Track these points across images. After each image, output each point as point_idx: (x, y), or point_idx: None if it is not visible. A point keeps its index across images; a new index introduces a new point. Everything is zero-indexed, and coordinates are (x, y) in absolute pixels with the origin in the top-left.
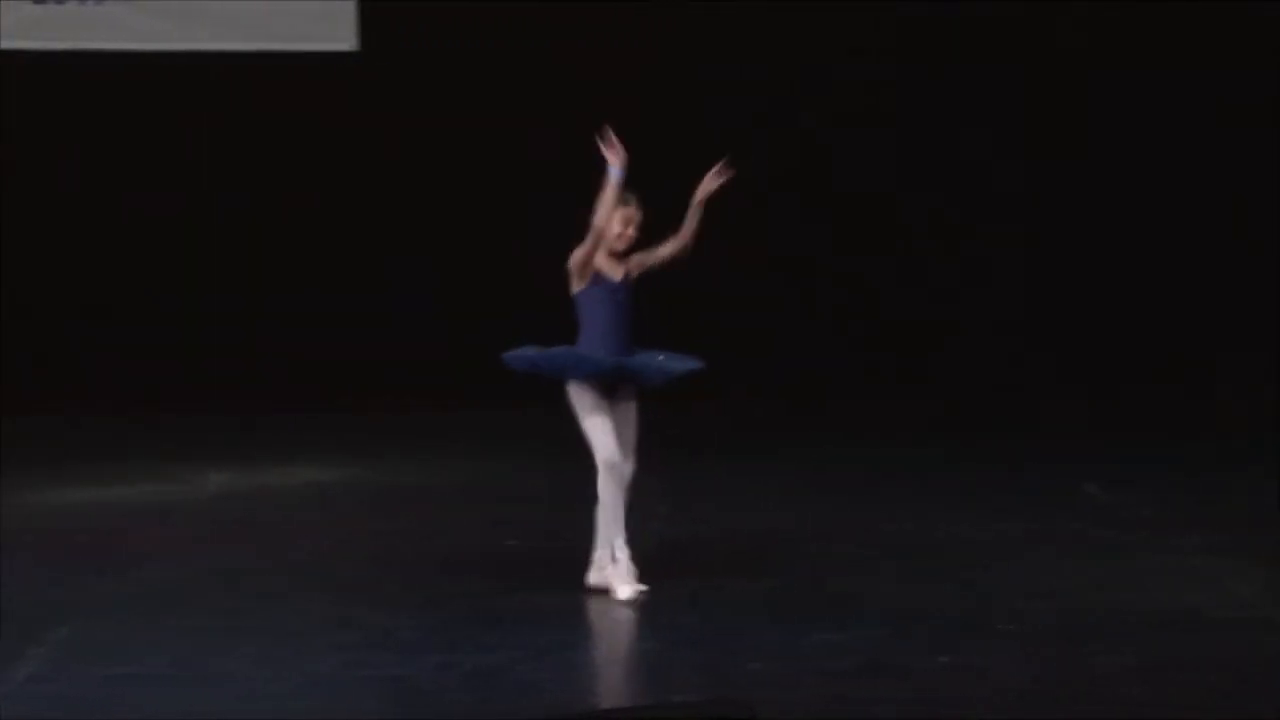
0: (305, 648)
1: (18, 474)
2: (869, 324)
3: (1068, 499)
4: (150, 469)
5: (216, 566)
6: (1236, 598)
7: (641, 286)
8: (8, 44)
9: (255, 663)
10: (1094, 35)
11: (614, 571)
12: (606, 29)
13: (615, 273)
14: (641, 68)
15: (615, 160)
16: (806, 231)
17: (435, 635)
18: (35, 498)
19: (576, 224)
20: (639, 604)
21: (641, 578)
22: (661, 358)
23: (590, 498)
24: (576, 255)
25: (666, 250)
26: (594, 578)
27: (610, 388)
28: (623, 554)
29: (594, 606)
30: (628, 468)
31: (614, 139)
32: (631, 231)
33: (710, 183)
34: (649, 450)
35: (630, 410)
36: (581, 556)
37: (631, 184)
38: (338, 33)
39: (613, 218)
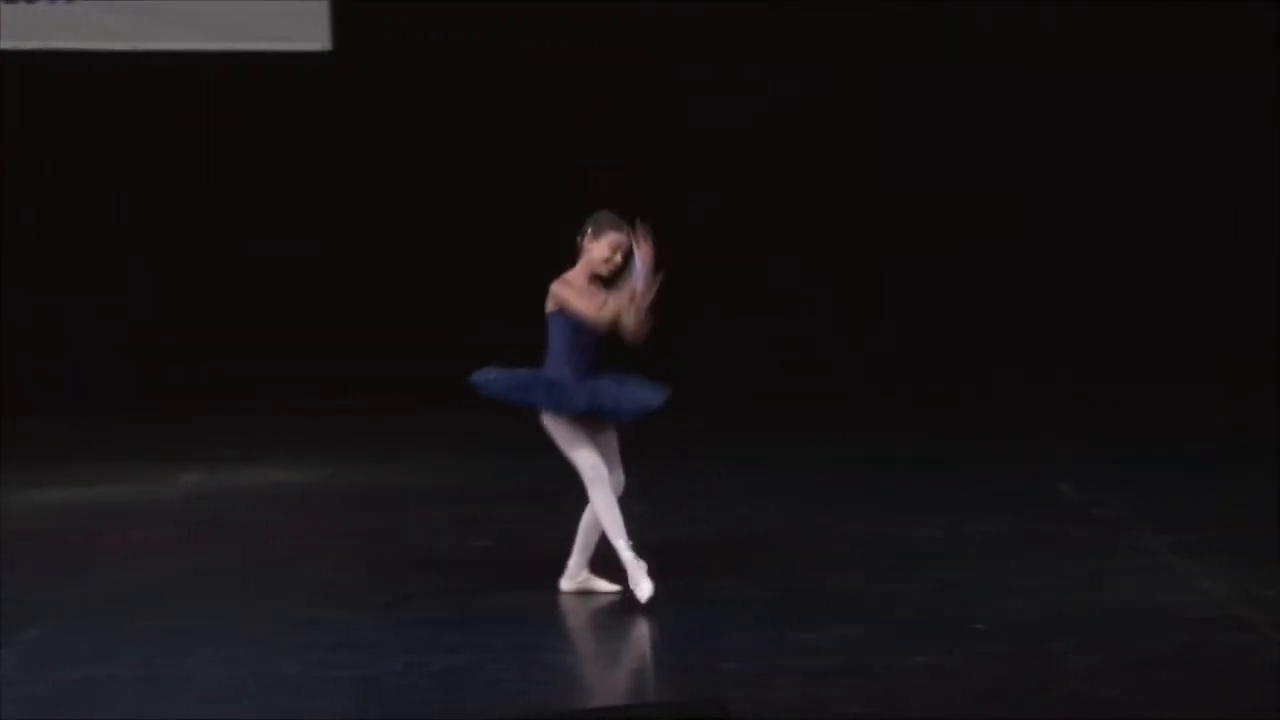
0: (274, 648)
1: None
2: (856, 324)
3: (1041, 499)
4: (119, 470)
5: (186, 568)
6: (1208, 597)
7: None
8: None
9: (225, 664)
10: (1094, 35)
11: (630, 573)
12: (586, 28)
13: (594, 300)
14: (621, 68)
15: (644, 258)
16: (784, 231)
17: (404, 635)
18: (3, 499)
19: (553, 221)
20: (611, 604)
21: (615, 578)
22: (631, 386)
23: (569, 501)
24: (563, 296)
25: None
26: (566, 584)
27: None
28: (629, 553)
29: (565, 607)
30: (618, 479)
31: (647, 236)
32: (619, 259)
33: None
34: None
35: (608, 425)
36: (553, 557)
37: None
38: (311, 32)
39: (601, 243)
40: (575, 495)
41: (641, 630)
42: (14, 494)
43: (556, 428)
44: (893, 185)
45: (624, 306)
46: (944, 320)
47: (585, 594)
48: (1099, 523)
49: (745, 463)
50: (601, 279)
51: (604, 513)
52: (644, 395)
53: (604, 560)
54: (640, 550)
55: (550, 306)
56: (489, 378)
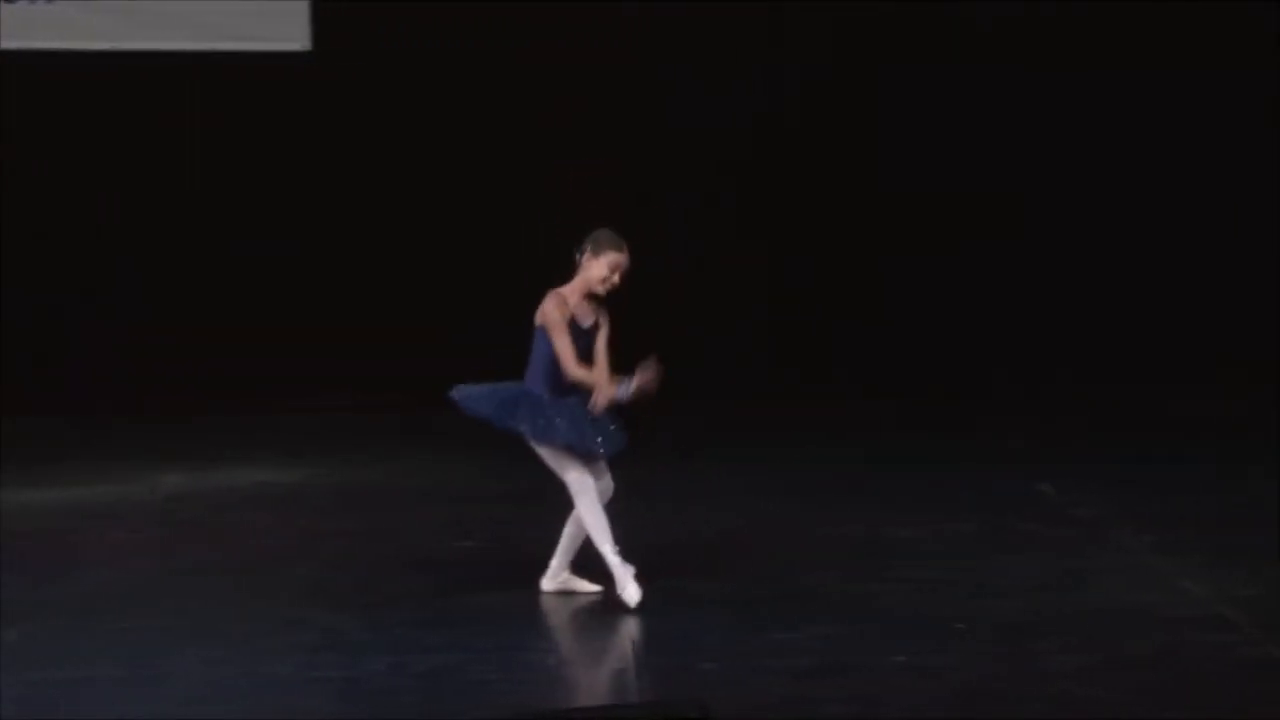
0: (257, 649)
1: None
2: (855, 325)
3: (1021, 498)
4: (100, 470)
5: (168, 568)
6: (1189, 596)
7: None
8: None
9: (207, 664)
10: (1094, 35)
11: (617, 578)
12: (572, 28)
13: (587, 317)
14: (601, 68)
15: (640, 385)
16: (766, 232)
17: (387, 636)
18: None
19: (535, 221)
20: (593, 604)
21: (596, 578)
22: (604, 422)
23: (552, 501)
24: (551, 323)
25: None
26: (548, 584)
27: None
28: (616, 559)
29: (548, 607)
30: (606, 484)
31: (656, 372)
32: (617, 279)
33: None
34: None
35: None
36: (536, 558)
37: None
38: (291, 32)
39: (600, 262)
40: (557, 495)
41: (623, 630)
42: None
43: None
44: (892, 185)
45: (600, 389)
46: (943, 320)
47: (567, 594)
48: (1079, 523)
49: (735, 463)
50: (597, 297)
51: (591, 522)
52: (618, 438)
53: (585, 560)
54: (621, 550)
55: (539, 320)
56: (469, 395)
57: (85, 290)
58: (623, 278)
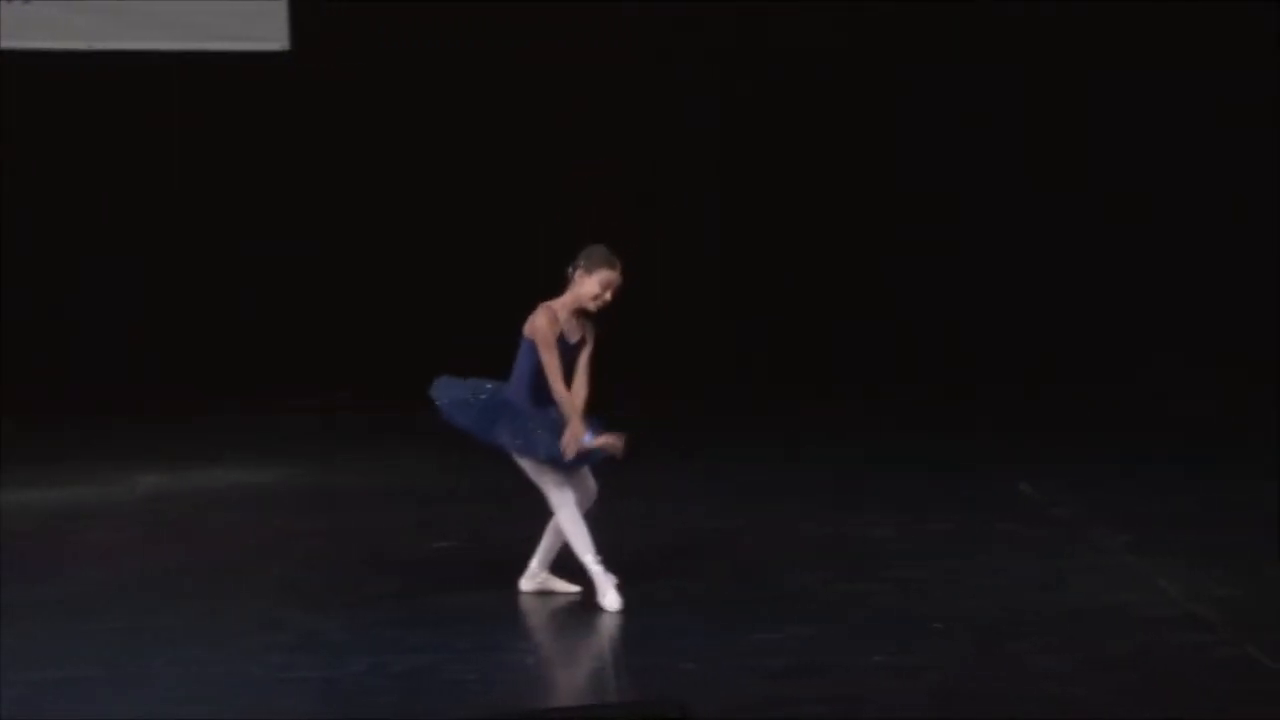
0: (235, 650)
1: None
2: (856, 325)
3: (1000, 498)
4: (76, 471)
5: (145, 569)
6: (1166, 596)
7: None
8: None
9: (184, 665)
10: (1094, 35)
11: (598, 585)
12: (565, 27)
13: (574, 332)
14: (605, 68)
15: (603, 440)
16: (756, 229)
17: (365, 636)
18: None
19: (514, 224)
20: (572, 605)
21: (574, 579)
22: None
23: (530, 501)
24: (540, 338)
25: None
26: (526, 584)
27: None
28: (598, 567)
29: (526, 607)
30: (589, 489)
31: (622, 444)
32: (609, 296)
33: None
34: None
35: None
36: (514, 557)
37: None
38: (269, 32)
39: (592, 279)
40: (535, 496)
41: (602, 630)
42: None
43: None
44: (892, 186)
45: (573, 423)
46: (944, 320)
47: (546, 594)
48: (1057, 522)
49: (703, 464)
50: (586, 312)
51: (571, 532)
52: (598, 453)
53: (563, 561)
54: (596, 549)
55: (528, 332)
56: (450, 401)
57: (60, 290)
58: (614, 295)
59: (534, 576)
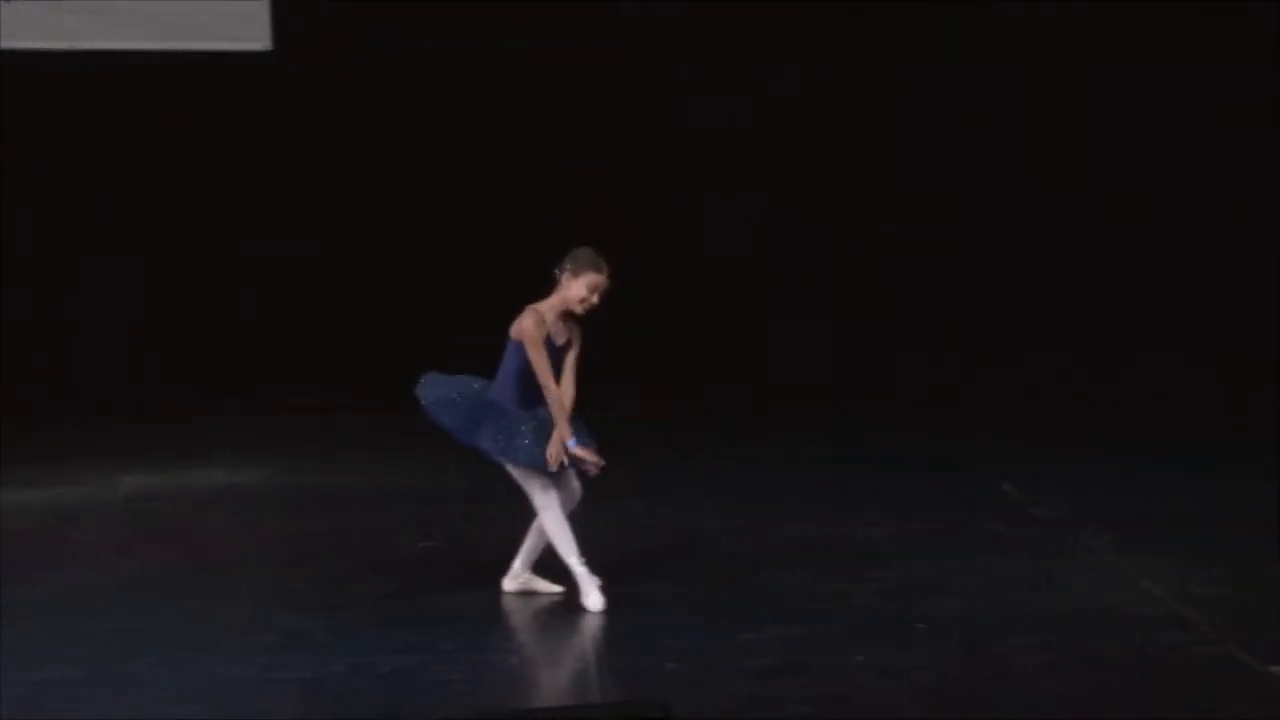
0: (220, 650)
1: None
2: (855, 325)
3: (984, 498)
4: (76, 471)
5: (129, 570)
6: (1150, 596)
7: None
8: None
9: (169, 666)
10: (1094, 35)
11: (582, 586)
12: (565, 27)
13: (560, 335)
14: (607, 68)
15: (583, 453)
16: (756, 229)
17: (350, 636)
18: None
19: (514, 224)
20: (555, 605)
21: (557, 579)
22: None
23: (513, 501)
24: (528, 340)
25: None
26: (509, 584)
27: None
28: (582, 569)
29: (509, 607)
30: (573, 491)
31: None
32: (596, 300)
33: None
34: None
35: None
36: (498, 558)
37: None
38: (251, 32)
39: (579, 283)
40: (519, 496)
41: (585, 631)
42: None
43: None
44: (892, 186)
45: (560, 422)
46: (943, 320)
47: (529, 595)
48: (1041, 522)
49: (686, 463)
50: (573, 315)
51: (555, 532)
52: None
53: (546, 561)
54: (580, 549)
55: (515, 334)
56: (435, 399)
57: (48, 290)
58: (601, 299)
59: (517, 577)
